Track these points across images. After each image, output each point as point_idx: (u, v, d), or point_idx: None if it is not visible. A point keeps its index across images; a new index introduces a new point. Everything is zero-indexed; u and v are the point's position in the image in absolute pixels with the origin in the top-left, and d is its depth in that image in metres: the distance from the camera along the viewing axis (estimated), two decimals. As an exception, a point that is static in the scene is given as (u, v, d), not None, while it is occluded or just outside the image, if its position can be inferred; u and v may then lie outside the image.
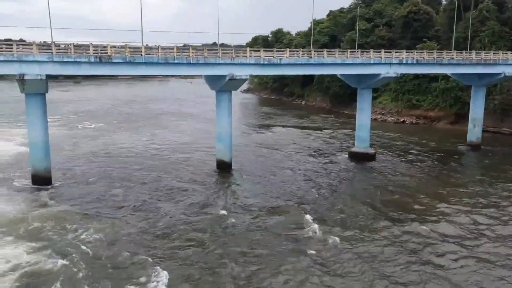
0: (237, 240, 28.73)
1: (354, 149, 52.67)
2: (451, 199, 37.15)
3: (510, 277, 24.42)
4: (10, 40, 44.32)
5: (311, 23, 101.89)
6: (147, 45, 39.42)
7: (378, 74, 48.80)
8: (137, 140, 61.58)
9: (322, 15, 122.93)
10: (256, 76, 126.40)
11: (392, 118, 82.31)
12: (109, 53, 36.95)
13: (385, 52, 49.18)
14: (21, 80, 34.86)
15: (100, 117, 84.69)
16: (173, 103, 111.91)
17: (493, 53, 55.92)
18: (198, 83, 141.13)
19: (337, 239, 28.81)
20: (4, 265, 24.82)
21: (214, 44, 78.33)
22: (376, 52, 49.00)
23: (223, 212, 33.68)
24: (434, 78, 77.60)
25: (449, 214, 33.86)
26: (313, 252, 27.09)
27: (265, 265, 25.48)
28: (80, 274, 24.17)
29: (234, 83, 42.83)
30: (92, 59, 36.49)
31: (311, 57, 45.36)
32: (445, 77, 72.88)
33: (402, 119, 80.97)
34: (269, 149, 56.45)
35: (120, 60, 37.45)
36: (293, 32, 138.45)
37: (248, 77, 43.86)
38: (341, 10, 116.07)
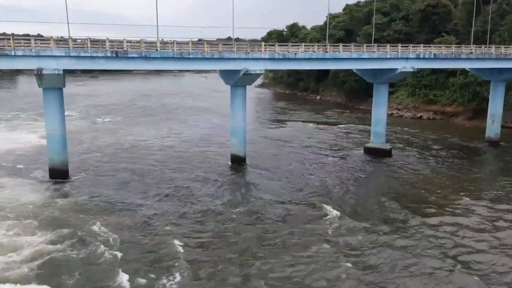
0: (254, 232, 28.88)
1: (369, 145, 52.21)
2: (470, 196, 36.55)
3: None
4: (28, 35, 44.97)
5: (326, 17, 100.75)
6: (162, 40, 39.55)
7: (395, 69, 48.19)
8: (153, 134, 62.04)
9: (338, 9, 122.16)
10: (271, 70, 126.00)
11: (409, 114, 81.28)
12: (125, 48, 37.23)
13: (402, 46, 48.47)
14: (39, 74, 35.38)
15: (117, 111, 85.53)
16: (188, 97, 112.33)
17: (514, 47, 54.69)
18: (212, 77, 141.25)
19: (358, 232, 28.87)
20: (27, 252, 25.44)
21: (229, 38, 78.20)
22: (392, 46, 48.35)
23: (238, 205, 33.75)
24: (452, 73, 76.26)
25: (469, 210, 33.42)
26: (331, 246, 27.06)
27: (285, 256, 25.65)
28: (100, 262, 24.87)
29: (248, 77, 42.76)
30: (108, 54, 36.81)
31: (326, 52, 44.99)
32: (464, 72, 71.54)
33: (419, 115, 79.89)
34: (284, 144, 56.32)
35: (136, 55, 37.70)
36: (309, 27, 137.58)
37: (262, 72, 43.77)
38: (357, 4, 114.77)
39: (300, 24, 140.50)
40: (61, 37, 37.69)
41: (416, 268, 24.62)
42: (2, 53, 33.92)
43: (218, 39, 72.97)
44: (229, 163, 45.50)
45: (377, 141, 51.45)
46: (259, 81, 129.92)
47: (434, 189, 38.11)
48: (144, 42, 38.16)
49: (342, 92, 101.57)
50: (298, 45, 45.30)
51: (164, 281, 22.98)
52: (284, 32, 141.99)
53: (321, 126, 70.77)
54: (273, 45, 44.35)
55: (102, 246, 26.54)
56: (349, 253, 26.23)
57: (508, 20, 73.09)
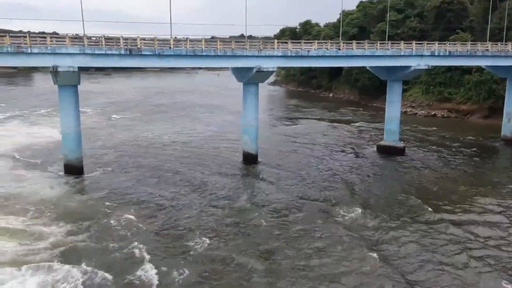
0: (267, 230, 28.90)
1: (383, 143, 51.85)
2: (486, 194, 36.15)
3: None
4: (44, 33, 45.59)
5: (340, 14, 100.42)
6: (175, 37, 39.77)
7: (409, 66, 47.74)
8: (167, 130, 62.46)
9: (351, 6, 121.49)
10: (283, 68, 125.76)
11: (423, 112, 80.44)
12: (138, 46, 37.52)
13: (416, 43, 48.00)
14: (54, 72, 35.85)
15: (131, 108, 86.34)
16: (201, 95, 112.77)
17: (531, 44, 53.72)
18: (225, 75, 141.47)
19: (375, 229, 28.85)
20: (49, 241, 26.57)
21: (242, 36, 78.35)
22: (407, 43, 47.91)
23: (249, 203, 33.86)
24: (467, 70, 75.26)
25: (485, 208, 33.10)
26: (350, 243, 27.03)
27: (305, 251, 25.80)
28: (119, 252, 25.65)
29: (261, 75, 42.76)
30: (122, 52, 37.13)
31: (339, 49, 44.76)
32: (479, 69, 70.53)
33: (433, 113, 79.00)
34: (296, 142, 56.22)
35: (149, 53, 37.96)
36: (322, 24, 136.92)
37: (275, 69, 43.73)
38: (371, 1, 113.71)
39: (313, 21, 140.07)
40: (76, 34, 38.17)
41: (437, 263, 24.61)
42: (19, 50, 34.45)
43: (231, 37, 73.09)
44: (241, 161, 45.59)
45: (390, 139, 51.07)
46: (271, 78, 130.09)
47: (449, 187, 37.72)
48: (158, 40, 38.38)
49: (355, 90, 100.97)
50: (311, 43, 45.14)
51: (181, 272, 23.43)
52: (297, 29, 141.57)
53: (333, 124, 70.47)
54: (286, 42, 44.28)
55: (120, 237, 27.44)
56: (369, 249, 26.23)
57: (526, 17, 71.79)
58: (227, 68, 45.56)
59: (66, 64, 35.74)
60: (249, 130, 45.04)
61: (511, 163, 48.93)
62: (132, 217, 30.64)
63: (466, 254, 25.86)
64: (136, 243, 26.58)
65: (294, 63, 46.66)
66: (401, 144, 51.29)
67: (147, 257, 25.04)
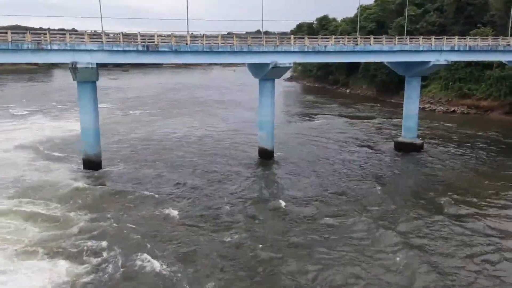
0: (285, 227, 28.88)
1: (400, 139, 51.23)
2: (508, 194, 35.31)
3: None
4: (63, 29, 46.28)
5: (357, 9, 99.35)
6: (192, 33, 39.91)
7: (428, 62, 47.01)
8: (184, 126, 62.90)
9: (369, 0, 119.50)
10: (300, 64, 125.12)
11: (442, 108, 79.15)
12: (156, 42, 37.77)
13: (435, 38, 47.20)
14: (73, 68, 36.34)
15: (148, 104, 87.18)
16: (218, 91, 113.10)
17: (555, 38, 52.31)
18: (241, 71, 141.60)
19: (390, 231, 28.31)
20: (74, 228, 28.03)
21: (258, 32, 78.13)
22: (426, 38, 47.15)
23: (266, 199, 33.88)
24: (488, 65, 73.71)
25: (508, 206, 32.49)
26: (364, 243, 26.81)
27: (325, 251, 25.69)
28: (134, 238, 26.79)
29: (277, 71, 42.65)
30: (140, 48, 37.44)
31: (357, 44, 44.32)
32: (500, 64, 68.98)
33: (452, 109, 77.67)
34: (312, 138, 55.95)
35: (166, 49, 38.19)
36: (339, 19, 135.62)
37: (292, 65, 43.53)
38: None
39: (330, 16, 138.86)
40: (95, 31, 38.61)
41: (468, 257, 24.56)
42: (39, 47, 35.03)
43: (247, 32, 73.07)
44: (257, 157, 45.61)
45: (408, 135, 50.46)
46: (287, 74, 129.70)
47: (467, 187, 36.95)
48: (174, 36, 38.59)
49: (372, 86, 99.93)
50: (328, 38, 44.79)
51: (194, 269, 23.69)
52: (314, 25, 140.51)
53: (350, 120, 69.92)
54: (303, 38, 44.01)
55: (137, 228, 28.24)
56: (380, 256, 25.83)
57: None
58: (243, 64, 45.56)
59: (84, 60, 36.21)
60: (265, 126, 45.01)
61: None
62: (146, 210, 31.33)
63: (498, 251, 25.63)
64: (155, 232, 27.49)
65: (310, 59, 46.40)
66: (419, 141, 50.62)
67: (167, 246, 25.86)
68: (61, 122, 64.89)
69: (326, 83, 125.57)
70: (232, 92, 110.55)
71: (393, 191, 36.26)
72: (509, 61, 56.18)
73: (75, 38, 36.46)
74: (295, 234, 27.81)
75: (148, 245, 26.01)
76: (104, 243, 26.04)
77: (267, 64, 41.64)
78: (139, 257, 24.59)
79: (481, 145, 52.00)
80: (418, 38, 47.10)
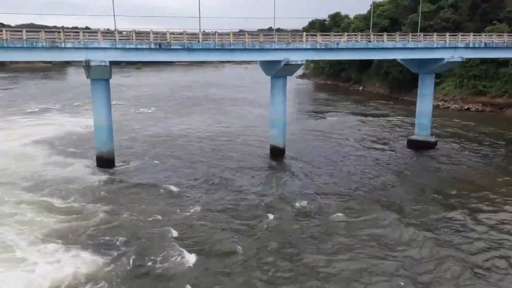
0: (297, 226, 28.73)
1: (413, 137, 50.76)
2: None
3: None
4: (77, 28, 46.73)
5: (370, 5, 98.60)
6: (204, 31, 39.98)
7: (442, 59, 46.42)
8: (196, 124, 63.09)
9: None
10: (312, 61, 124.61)
11: (456, 105, 78.14)
12: (168, 40, 37.92)
13: (450, 35, 46.59)
14: (87, 66, 36.68)
15: (161, 101, 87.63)
16: (229, 88, 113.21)
17: None
18: (253, 68, 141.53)
19: (410, 228, 28.10)
20: (93, 220, 28.90)
21: (270, 29, 77.95)
22: (440, 35, 46.55)
23: (277, 197, 33.80)
24: (504, 63, 72.53)
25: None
26: (388, 240, 26.72)
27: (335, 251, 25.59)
28: (153, 236, 27.11)
29: (289, 68, 42.51)
30: (152, 46, 37.62)
31: (370, 41, 43.96)
32: (517, 61, 67.99)
33: (467, 106, 76.61)
34: (324, 136, 55.71)
35: (179, 47, 38.31)
36: (352, 16, 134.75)
37: (304, 62, 43.35)
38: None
39: (343, 13, 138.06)
40: (108, 29, 38.90)
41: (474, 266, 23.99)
42: (53, 45, 35.39)
43: (259, 30, 72.93)
44: (269, 154, 45.54)
45: (421, 133, 49.95)
46: (299, 72, 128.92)
47: (482, 187, 36.22)
48: (187, 34, 38.70)
49: (385, 83, 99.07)
50: (340, 35, 44.51)
51: (211, 261, 23.99)
52: (326, 22, 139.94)
53: (363, 118, 69.43)
54: (315, 35, 43.78)
55: (155, 221, 29.06)
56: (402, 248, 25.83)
57: None
58: (255, 61, 45.49)
59: (98, 58, 36.51)
60: (277, 124, 44.93)
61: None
62: (163, 204, 31.98)
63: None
64: (169, 227, 27.90)
65: (323, 56, 46.11)
66: (432, 139, 50.09)
67: (186, 239, 26.48)
68: (77, 119, 65.92)
69: (339, 80, 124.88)
70: (244, 89, 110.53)
71: (408, 188, 35.96)
72: (525, 58, 55.30)
73: (89, 36, 36.80)
74: (311, 229, 27.90)
75: (169, 237, 26.50)
76: (122, 236, 26.60)
77: (279, 62, 41.52)
78: (158, 249, 25.00)
79: (497, 143, 51.23)
80: (432, 35, 46.53)
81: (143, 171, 40.09)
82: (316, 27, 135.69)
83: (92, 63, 36.33)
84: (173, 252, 24.79)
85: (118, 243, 25.89)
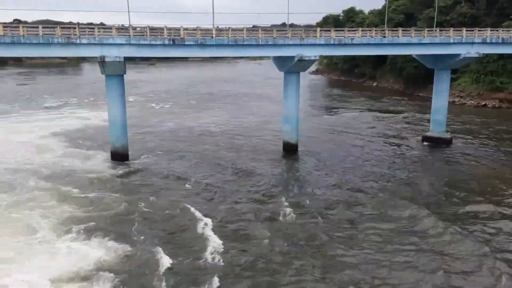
0: (313, 224, 28.63)
1: (428, 133, 50.20)
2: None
3: None
4: (92, 24, 47.15)
5: (385, 0, 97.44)
6: (217, 27, 40.00)
7: (458, 54, 45.73)
8: (210, 119, 63.34)
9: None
10: (326, 57, 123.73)
11: (472, 102, 76.94)
12: (182, 36, 38.04)
13: (466, 30, 45.84)
14: (101, 62, 37.04)
15: (175, 97, 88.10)
16: (243, 84, 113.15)
17: None
18: (266, 64, 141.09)
19: (424, 222, 28.14)
20: (112, 211, 29.70)
21: (284, 24, 77.61)
22: (456, 30, 45.84)
23: (290, 194, 33.81)
24: (522, 58, 71.23)
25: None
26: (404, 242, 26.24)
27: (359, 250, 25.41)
28: (155, 217, 28.62)
29: (302, 64, 42.32)
30: (166, 42, 37.80)
31: (384, 37, 43.49)
32: (535, 57, 66.62)
33: (483, 103, 75.37)
34: (338, 132, 55.42)
35: (192, 43, 38.42)
36: (366, 11, 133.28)
37: (317, 58, 43.11)
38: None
39: (357, 8, 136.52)
40: (122, 25, 39.16)
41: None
42: (69, 41, 35.78)
43: (272, 25, 72.68)
44: (281, 150, 45.45)
45: (436, 129, 49.37)
46: (313, 67, 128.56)
47: (500, 185, 35.55)
48: (200, 30, 38.77)
49: (400, 79, 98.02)
50: (355, 30, 44.15)
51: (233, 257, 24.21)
52: (340, 17, 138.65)
53: (377, 114, 68.85)
54: (329, 30, 43.49)
55: (170, 214, 29.65)
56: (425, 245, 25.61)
57: None
58: (269, 57, 45.37)
59: (112, 54, 36.82)
60: (290, 120, 44.82)
61: None
62: (177, 196, 32.69)
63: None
64: (185, 218, 28.71)
65: (337, 52, 45.82)
66: (448, 135, 49.47)
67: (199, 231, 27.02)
68: (94, 113, 66.89)
69: (352, 76, 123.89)
70: (257, 85, 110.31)
71: (424, 185, 35.62)
72: (544, 53, 54.17)
73: (103, 32, 37.09)
74: (335, 222, 28.20)
75: (183, 230, 27.03)
76: (137, 226, 27.27)
77: (292, 57, 41.35)
78: (173, 241, 25.59)
79: (510, 140, 50.29)
80: (448, 30, 45.84)
81: (159, 164, 40.68)
82: (330, 22, 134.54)
83: (106, 59, 36.66)
84: (197, 242, 25.38)
85: (137, 232, 26.49)
